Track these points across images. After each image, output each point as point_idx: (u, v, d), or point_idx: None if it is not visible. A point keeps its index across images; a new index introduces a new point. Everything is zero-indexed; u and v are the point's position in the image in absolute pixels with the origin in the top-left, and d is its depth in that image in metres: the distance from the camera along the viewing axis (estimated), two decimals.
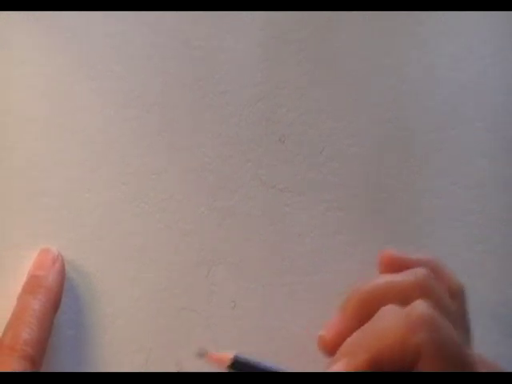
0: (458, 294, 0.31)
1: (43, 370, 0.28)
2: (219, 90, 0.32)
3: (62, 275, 0.29)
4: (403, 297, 0.28)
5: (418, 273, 0.29)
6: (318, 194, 0.33)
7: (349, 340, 0.28)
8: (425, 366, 0.26)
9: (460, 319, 0.30)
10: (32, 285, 0.29)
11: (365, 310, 0.29)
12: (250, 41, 0.33)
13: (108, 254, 0.31)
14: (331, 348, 0.29)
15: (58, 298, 0.29)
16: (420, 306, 0.27)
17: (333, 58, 0.34)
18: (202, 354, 0.28)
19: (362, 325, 0.28)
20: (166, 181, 0.32)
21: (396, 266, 0.30)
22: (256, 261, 0.32)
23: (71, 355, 0.30)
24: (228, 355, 0.28)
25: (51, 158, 0.30)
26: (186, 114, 0.32)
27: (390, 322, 0.28)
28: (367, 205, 0.33)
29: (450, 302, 0.29)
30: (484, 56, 0.34)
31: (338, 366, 0.27)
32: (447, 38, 0.35)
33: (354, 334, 0.28)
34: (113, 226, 0.31)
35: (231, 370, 0.28)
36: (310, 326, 0.32)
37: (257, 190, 0.32)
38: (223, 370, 0.28)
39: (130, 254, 0.31)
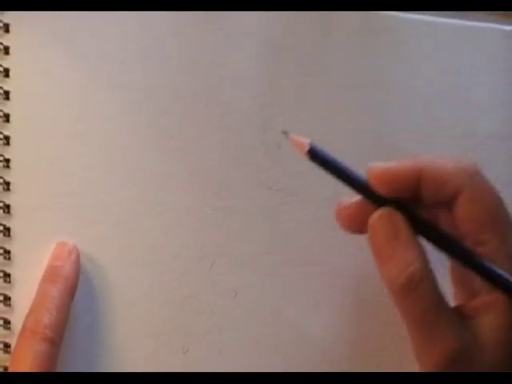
0: None
1: (62, 351, 0.29)
2: (222, 101, 0.33)
3: (78, 265, 0.31)
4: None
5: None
6: (310, 194, 0.34)
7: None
8: (463, 205, 0.27)
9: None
10: (51, 274, 0.30)
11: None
12: (250, 57, 0.34)
13: (120, 248, 0.32)
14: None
15: (74, 286, 0.30)
16: (472, 163, 0.28)
17: (324, 74, 0.34)
18: (285, 133, 0.28)
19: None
20: (173, 182, 0.33)
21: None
22: (254, 254, 0.33)
23: (87, 339, 0.31)
24: (305, 141, 0.28)
25: (71, 162, 0.31)
26: (193, 122, 0.33)
27: (439, 158, 0.28)
28: None
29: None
30: (459, 71, 0.35)
31: (388, 162, 0.28)
32: (426, 56, 0.36)
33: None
34: (125, 223, 0.32)
35: (309, 158, 0.28)
36: (304, 313, 0.33)
37: (256, 191, 0.33)
38: (303, 155, 0.28)
39: (140, 249, 0.32)
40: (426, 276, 0.27)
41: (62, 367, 0.29)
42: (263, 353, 0.32)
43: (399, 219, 0.27)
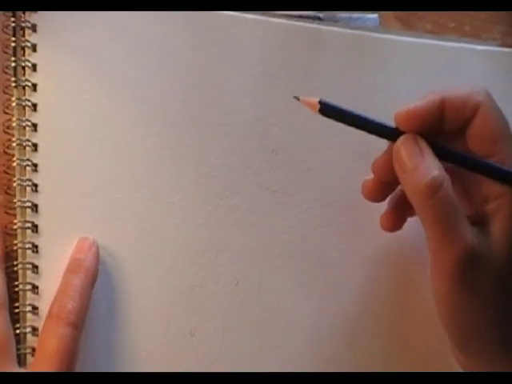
0: None
1: (83, 334, 0.30)
2: (225, 112, 0.35)
3: (97, 258, 0.32)
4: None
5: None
6: (303, 195, 0.35)
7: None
8: (478, 121, 0.29)
9: None
10: (73, 265, 0.31)
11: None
12: (249, 75, 0.35)
13: (135, 242, 0.33)
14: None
15: (94, 276, 0.31)
16: (482, 87, 0.30)
17: (314, 89, 0.36)
18: (296, 98, 0.30)
19: None
20: (182, 184, 0.34)
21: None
22: (254, 248, 0.34)
23: (106, 323, 0.32)
24: (315, 100, 0.30)
25: (91, 166, 0.33)
26: (199, 130, 0.34)
27: (455, 87, 0.30)
28: (342, 204, 0.35)
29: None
30: (436, 87, 0.34)
31: (412, 104, 0.29)
32: (406, 73, 0.37)
33: None
34: (139, 221, 0.33)
35: (322, 114, 0.29)
36: (297, 301, 0.34)
37: (254, 192, 0.35)
38: (315, 113, 0.29)
39: (153, 243, 0.33)
40: (446, 182, 0.28)
41: (84, 348, 0.30)
42: (262, 335, 0.33)
43: (422, 141, 0.29)
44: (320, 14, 0.39)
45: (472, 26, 0.43)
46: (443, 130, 0.30)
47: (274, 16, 0.37)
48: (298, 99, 0.30)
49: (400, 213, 0.33)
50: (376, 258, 0.35)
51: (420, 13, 0.43)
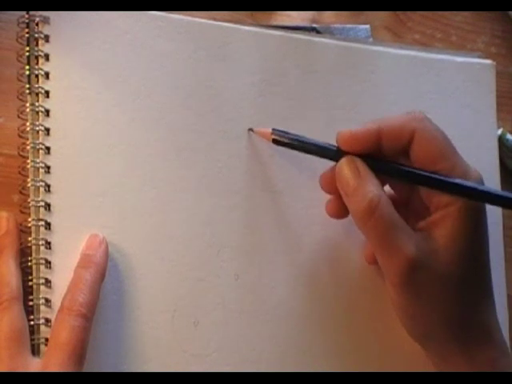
0: None
1: (93, 325, 0.31)
2: (226, 119, 0.36)
3: (107, 253, 0.32)
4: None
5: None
6: (299, 195, 0.36)
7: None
8: (416, 145, 0.30)
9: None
10: (84, 261, 0.32)
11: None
12: (247, 83, 0.36)
13: (142, 239, 0.34)
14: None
15: (104, 271, 0.32)
16: (418, 111, 0.31)
17: (307, 98, 0.37)
18: (250, 129, 0.33)
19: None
20: (186, 185, 0.35)
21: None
22: (253, 244, 0.35)
23: (115, 314, 0.33)
24: (268, 130, 0.32)
25: (101, 168, 0.34)
26: (202, 136, 0.35)
27: (393, 116, 0.31)
28: None
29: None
30: (419, 95, 0.38)
31: (351, 129, 0.31)
32: (392, 83, 0.39)
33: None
34: (146, 219, 0.34)
35: (276, 143, 0.32)
36: (294, 293, 0.35)
37: (254, 192, 0.36)
38: (269, 143, 0.32)
39: (159, 239, 0.34)
40: (382, 200, 0.29)
41: (94, 338, 0.31)
42: (261, 325, 0.34)
43: (359, 161, 0.31)
44: (316, 26, 0.41)
45: (458, 37, 0.45)
46: (385, 153, 0.32)
47: (271, 28, 0.38)
48: (253, 131, 0.33)
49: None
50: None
51: (409, 24, 0.45)
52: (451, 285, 0.30)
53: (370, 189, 0.30)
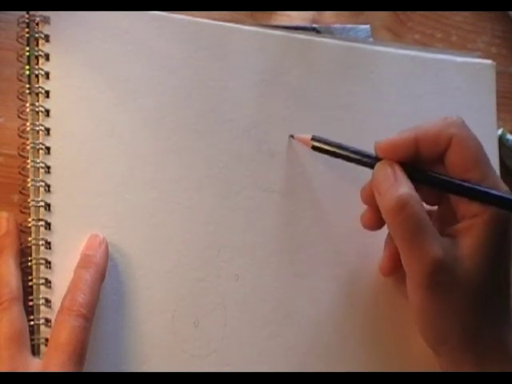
0: None
1: (93, 326, 0.31)
2: (226, 119, 0.36)
3: (107, 254, 0.32)
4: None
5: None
6: (298, 195, 0.36)
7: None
8: (452, 151, 0.31)
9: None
10: (84, 261, 0.32)
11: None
12: (248, 83, 0.37)
13: (143, 239, 0.34)
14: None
15: (104, 271, 0.32)
16: (455, 117, 0.31)
17: (308, 98, 0.38)
18: (291, 136, 0.34)
19: None
20: (187, 185, 0.35)
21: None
22: (253, 244, 0.35)
23: (115, 315, 0.33)
24: (308, 137, 0.33)
25: (102, 168, 0.34)
26: (202, 136, 0.36)
27: (431, 121, 0.31)
28: (336, 204, 0.37)
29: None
30: (420, 96, 0.38)
31: (389, 137, 0.31)
32: (392, 83, 0.39)
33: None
34: (147, 219, 0.34)
35: (316, 150, 0.33)
36: (293, 293, 0.35)
37: (254, 192, 0.36)
38: (309, 149, 0.33)
39: (159, 240, 0.34)
40: (414, 199, 0.30)
41: (94, 339, 0.31)
42: (261, 325, 0.35)
43: (396, 165, 0.31)
44: (316, 26, 0.41)
45: (458, 37, 0.45)
46: (421, 159, 0.32)
47: (271, 28, 0.38)
48: (293, 137, 0.33)
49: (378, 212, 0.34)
50: (371, 254, 0.36)
51: (409, 24, 0.45)
52: (470, 294, 0.30)
53: (403, 187, 0.30)
